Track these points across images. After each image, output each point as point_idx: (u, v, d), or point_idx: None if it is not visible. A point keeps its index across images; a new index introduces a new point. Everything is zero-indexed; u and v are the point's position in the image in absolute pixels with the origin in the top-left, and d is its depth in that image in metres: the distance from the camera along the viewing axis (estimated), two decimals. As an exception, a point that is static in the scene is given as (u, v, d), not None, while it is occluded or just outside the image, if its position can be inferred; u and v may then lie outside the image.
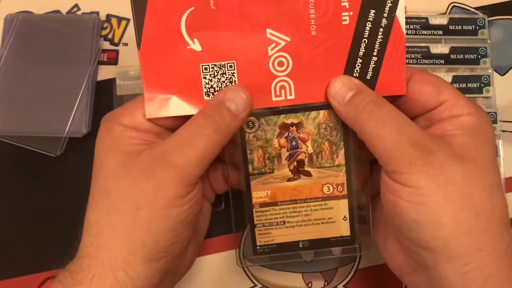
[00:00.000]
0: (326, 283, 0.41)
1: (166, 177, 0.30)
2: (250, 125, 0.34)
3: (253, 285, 0.41)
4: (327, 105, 0.34)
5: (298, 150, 0.35)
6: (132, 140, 0.32)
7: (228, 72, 0.33)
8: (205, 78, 0.33)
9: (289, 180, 0.35)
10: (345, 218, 0.35)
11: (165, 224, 0.30)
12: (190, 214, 0.31)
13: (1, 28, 0.44)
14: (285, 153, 0.35)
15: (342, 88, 0.32)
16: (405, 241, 0.31)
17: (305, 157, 0.35)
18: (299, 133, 0.34)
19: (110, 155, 0.32)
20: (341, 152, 0.35)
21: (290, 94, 0.33)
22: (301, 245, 0.36)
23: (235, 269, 0.41)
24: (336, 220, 0.35)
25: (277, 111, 0.34)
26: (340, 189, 0.35)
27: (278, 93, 0.33)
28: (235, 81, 0.33)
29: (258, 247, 0.36)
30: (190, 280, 0.41)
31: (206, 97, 0.33)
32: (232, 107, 0.32)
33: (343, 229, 0.36)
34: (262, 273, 0.41)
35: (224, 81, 0.33)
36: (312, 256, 0.35)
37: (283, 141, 0.34)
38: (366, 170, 0.36)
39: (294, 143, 0.35)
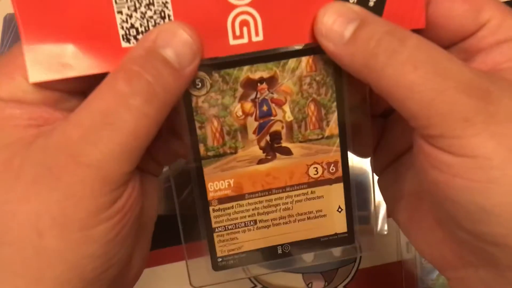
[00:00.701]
0: (326, 283, 0.40)
1: (76, 182, 0.19)
2: (198, 85, 0.22)
3: (253, 285, 0.39)
4: (312, 49, 0.22)
5: (272, 118, 0.23)
6: (16, 122, 0.20)
7: (158, 2, 0.21)
8: (120, 12, 0.20)
9: (260, 162, 0.24)
10: (340, 209, 0.25)
11: (87, 252, 0.20)
12: (125, 226, 0.21)
13: (0, 27, 0.43)
14: (252, 124, 0.23)
15: (337, 21, 0.21)
16: (463, 233, 0.21)
17: (282, 127, 0.24)
18: (272, 93, 0.23)
19: None
20: (333, 117, 0.24)
21: (257, 34, 0.22)
22: (280, 251, 0.25)
23: (235, 269, 0.35)
24: (327, 213, 0.25)
25: (238, 60, 0.22)
26: (332, 169, 0.25)
27: (238, 32, 0.21)
28: (169, 16, 0.21)
29: (220, 259, 0.25)
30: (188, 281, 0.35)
31: (124, 44, 0.21)
32: (171, 57, 0.20)
33: (338, 224, 0.25)
34: (262, 273, 0.38)
35: (152, 17, 0.21)
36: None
37: (248, 106, 0.23)
38: (370, 138, 0.25)
39: (265, 108, 0.23)
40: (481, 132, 0.19)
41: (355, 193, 0.25)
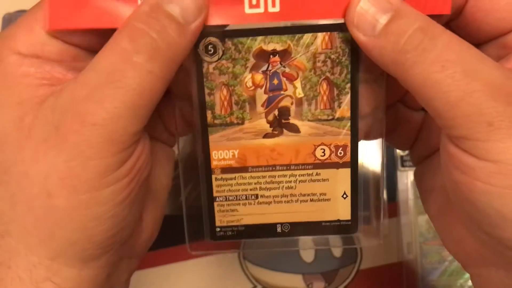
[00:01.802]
0: (326, 284, 0.39)
1: (82, 142, 0.19)
2: (211, 50, 0.22)
3: (253, 286, 0.39)
4: (329, 26, 0.22)
5: (282, 92, 0.23)
6: (29, 80, 0.21)
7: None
8: (140, -29, 0.21)
9: (266, 136, 0.24)
10: (345, 196, 0.24)
11: (95, 213, 0.20)
12: (134, 189, 0.21)
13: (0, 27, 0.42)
14: (261, 96, 0.23)
15: (370, 10, 0.20)
16: (483, 235, 0.21)
17: (292, 103, 0.23)
18: (284, 67, 0.23)
19: (0, 107, 0.21)
20: (346, 99, 0.23)
21: (273, 5, 0.21)
22: (279, 229, 0.25)
23: (235, 270, 0.39)
24: (331, 197, 0.25)
25: (252, 30, 0.22)
26: (340, 153, 0.24)
27: (254, 1, 0.21)
28: (187, -22, 0.21)
29: (218, 229, 0.25)
30: (190, 281, 0.39)
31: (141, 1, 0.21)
32: (176, 12, 0.20)
33: (341, 211, 0.25)
34: (262, 274, 0.39)
35: (170, -22, 0.21)
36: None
37: (259, 77, 0.23)
38: (382, 125, 0.24)
39: (276, 81, 0.23)
40: (505, 137, 0.19)
41: (362, 182, 0.24)
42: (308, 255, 0.38)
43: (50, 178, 0.20)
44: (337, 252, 0.39)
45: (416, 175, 0.27)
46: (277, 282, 0.39)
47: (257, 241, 0.26)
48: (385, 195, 0.37)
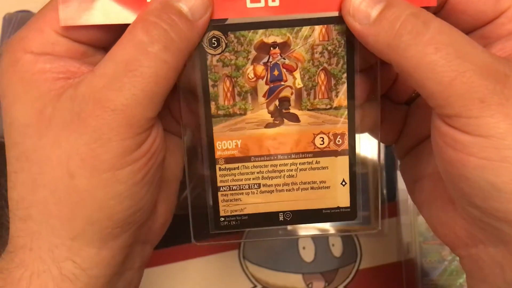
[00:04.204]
0: (326, 284, 0.39)
1: (103, 126, 0.21)
2: (214, 43, 0.24)
3: (253, 285, 0.40)
4: (326, 18, 0.23)
5: (282, 83, 0.24)
6: (46, 75, 0.22)
7: (183, -38, 0.22)
8: (147, -32, 0.22)
9: (267, 126, 0.25)
10: (344, 183, 0.25)
11: (115, 192, 0.22)
12: (150, 170, 0.23)
13: (0, 27, 0.43)
14: (263, 87, 0.24)
15: (364, 1, 0.22)
16: (474, 210, 0.22)
17: (291, 93, 0.24)
18: (284, 59, 0.24)
19: (20, 102, 0.22)
20: (343, 89, 0.24)
21: (273, 0, 0.23)
22: (281, 218, 0.26)
23: (235, 269, 0.40)
24: (331, 184, 0.25)
25: (253, 23, 0.23)
26: (338, 141, 0.25)
27: (255, -4, 0.23)
28: (192, -25, 0.22)
29: (222, 219, 0.26)
30: (189, 280, 0.40)
31: (149, -1, 0.22)
32: (184, 9, 0.22)
33: (341, 198, 0.26)
34: (262, 274, 0.40)
35: (176, -25, 0.22)
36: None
37: (260, 68, 0.24)
38: (378, 113, 0.25)
39: (276, 72, 0.24)
40: (496, 113, 0.20)
41: (361, 168, 0.25)
42: (308, 255, 0.39)
43: (71, 160, 0.21)
44: (337, 251, 0.39)
45: (401, 167, 0.28)
46: (277, 281, 0.39)
47: (259, 230, 0.26)
48: (385, 194, 0.38)
